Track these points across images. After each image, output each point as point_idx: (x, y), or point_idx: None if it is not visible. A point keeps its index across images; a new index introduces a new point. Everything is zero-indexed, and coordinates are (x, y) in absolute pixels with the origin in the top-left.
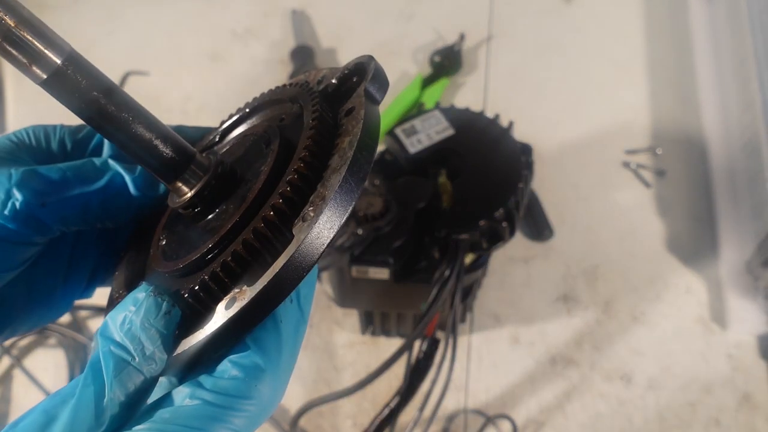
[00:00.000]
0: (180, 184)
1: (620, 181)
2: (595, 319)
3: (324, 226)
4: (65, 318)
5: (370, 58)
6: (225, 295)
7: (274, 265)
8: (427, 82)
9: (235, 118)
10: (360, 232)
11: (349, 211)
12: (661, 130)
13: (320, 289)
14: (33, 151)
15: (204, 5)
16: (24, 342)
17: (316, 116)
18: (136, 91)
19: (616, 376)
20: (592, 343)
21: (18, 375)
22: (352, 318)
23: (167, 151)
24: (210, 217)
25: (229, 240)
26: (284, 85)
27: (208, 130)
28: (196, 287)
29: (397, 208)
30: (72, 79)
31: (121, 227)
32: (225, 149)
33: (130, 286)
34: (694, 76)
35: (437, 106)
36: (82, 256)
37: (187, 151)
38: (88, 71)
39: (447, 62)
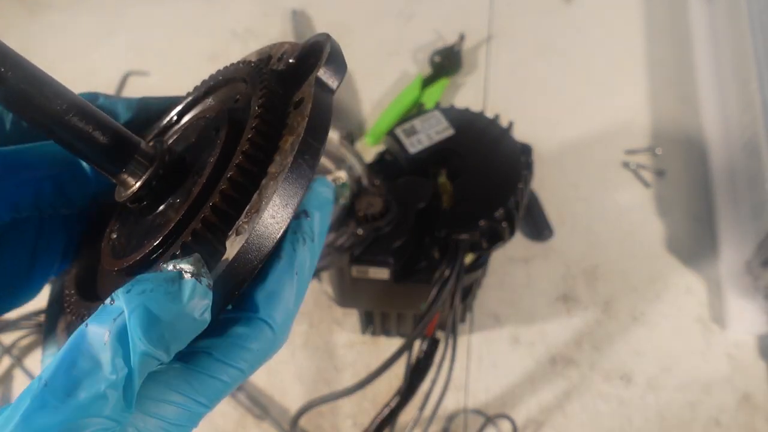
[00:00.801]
0: (125, 177)
1: (620, 181)
2: (594, 319)
3: (256, 242)
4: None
5: (327, 37)
6: None
7: None
8: (427, 82)
9: (191, 98)
10: (360, 232)
11: (287, 220)
12: (660, 130)
13: (320, 289)
14: None
15: (204, 5)
16: (24, 342)
17: (261, 103)
18: (136, 91)
19: (616, 376)
20: (591, 343)
21: (18, 375)
22: (352, 318)
23: (107, 143)
24: (159, 210)
25: (173, 239)
26: (241, 62)
27: (176, 100)
28: None
29: (397, 208)
30: None
31: (83, 209)
32: (178, 135)
33: (81, 285)
34: (694, 76)
35: (437, 106)
36: (50, 236)
37: (130, 141)
38: (8, 58)
39: (447, 62)
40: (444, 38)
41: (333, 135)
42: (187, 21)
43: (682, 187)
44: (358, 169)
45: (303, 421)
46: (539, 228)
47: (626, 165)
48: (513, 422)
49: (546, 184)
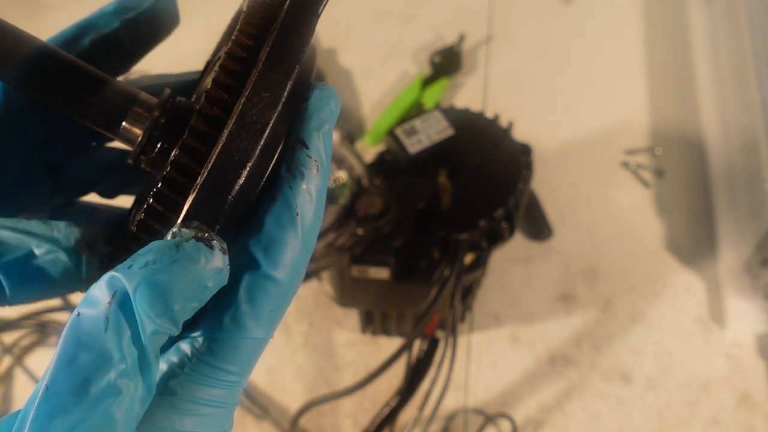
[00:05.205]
0: (128, 129)
1: (620, 181)
2: (594, 319)
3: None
4: (66, 317)
5: None
6: None
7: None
8: (427, 82)
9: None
10: (360, 232)
11: (240, 176)
12: (660, 130)
13: (320, 289)
14: None
15: (205, 5)
16: (25, 341)
17: (235, 36)
18: None
19: (616, 375)
20: (591, 343)
21: (19, 374)
22: (352, 317)
23: (97, 93)
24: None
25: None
26: None
27: (194, 74)
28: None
29: (397, 208)
30: None
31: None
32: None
33: None
34: (693, 76)
35: (437, 106)
36: None
37: (125, 90)
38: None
39: (447, 63)
40: (444, 38)
41: (333, 135)
42: (188, 21)
43: (681, 187)
44: (358, 169)
45: (303, 421)
46: (539, 228)
47: (626, 165)
48: (513, 421)
49: (546, 184)
